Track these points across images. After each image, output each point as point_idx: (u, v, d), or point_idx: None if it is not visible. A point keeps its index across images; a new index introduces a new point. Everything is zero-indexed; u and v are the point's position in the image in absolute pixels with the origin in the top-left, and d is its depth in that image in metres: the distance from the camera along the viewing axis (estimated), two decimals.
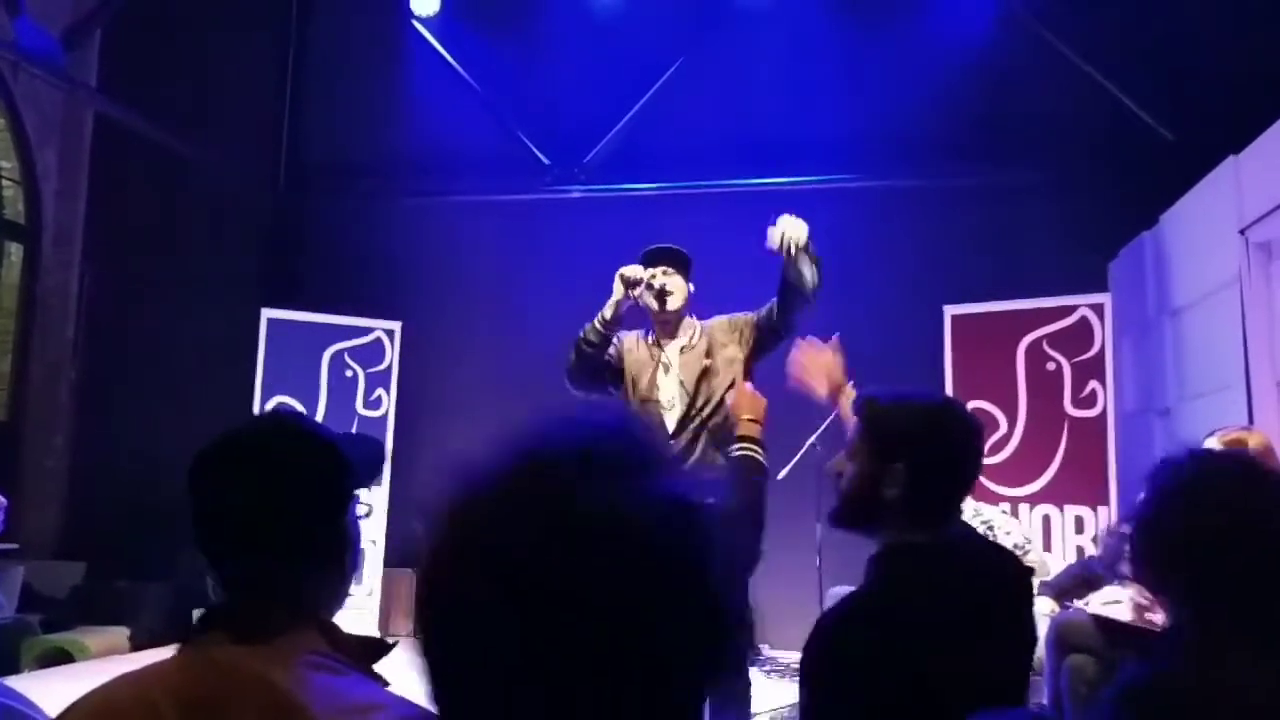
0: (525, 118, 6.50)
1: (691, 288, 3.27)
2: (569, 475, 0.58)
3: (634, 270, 3.16)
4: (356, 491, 1.17)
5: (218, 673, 1.04)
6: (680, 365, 3.18)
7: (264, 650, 1.04)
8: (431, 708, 0.59)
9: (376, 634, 4.56)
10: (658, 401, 3.17)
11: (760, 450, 1.78)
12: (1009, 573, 1.62)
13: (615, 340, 3.27)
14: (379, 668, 1.06)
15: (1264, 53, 4.87)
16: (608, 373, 3.26)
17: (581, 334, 3.19)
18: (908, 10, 6.01)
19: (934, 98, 5.77)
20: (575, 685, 0.54)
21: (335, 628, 1.07)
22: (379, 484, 5.54)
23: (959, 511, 1.64)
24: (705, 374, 3.11)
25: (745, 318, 3.18)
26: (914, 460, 1.52)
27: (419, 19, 6.56)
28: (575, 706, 0.54)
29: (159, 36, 6.01)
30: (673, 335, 3.24)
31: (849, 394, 2.16)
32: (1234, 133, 4.24)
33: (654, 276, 3.16)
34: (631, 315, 3.29)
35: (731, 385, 2.99)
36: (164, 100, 5.86)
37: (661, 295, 3.16)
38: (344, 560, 1.14)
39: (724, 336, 3.17)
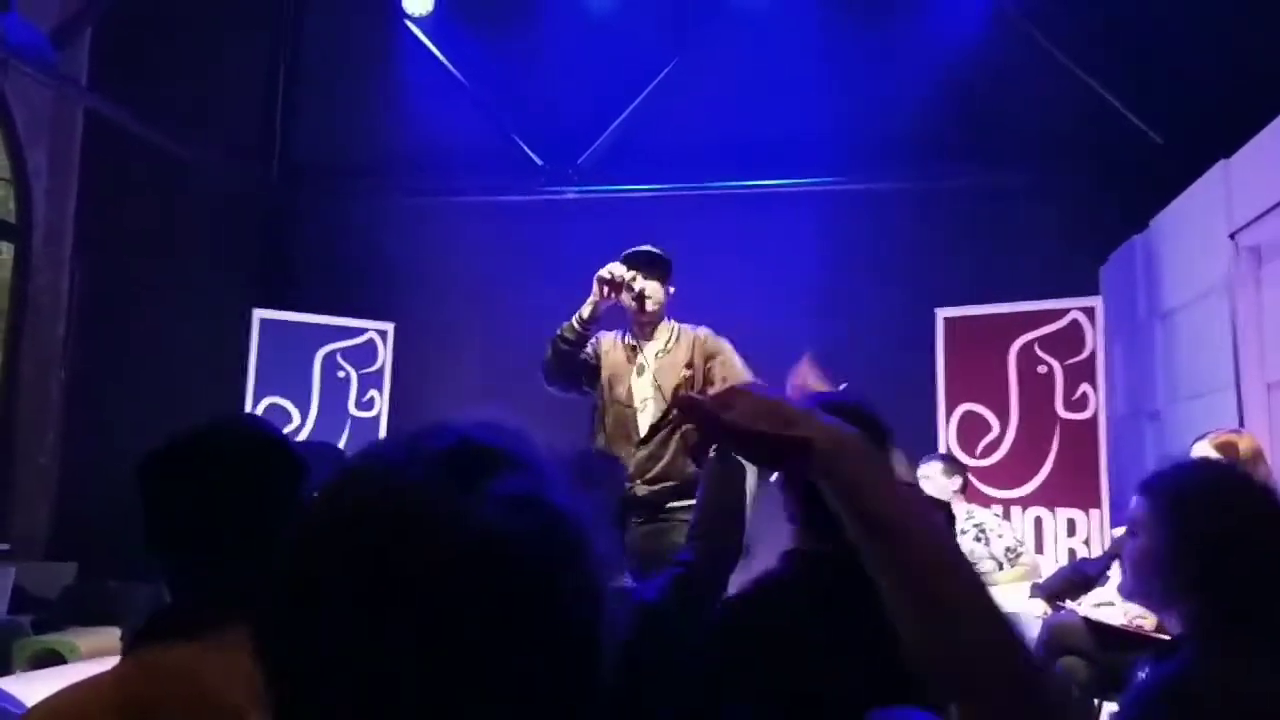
0: (518, 118, 6.49)
1: (671, 290, 3.29)
2: (404, 477, 0.56)
3: (613, 268, 3.17)
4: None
5: (160, 676, 1.04)
6: (656, 369, 3.19)
7: (208, 652, 1.04)
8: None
9: None
10: (631, 404, 3.19)
11: None
12: None
13: (593, 340, 3.29)
14: None
15: (1255, 56, 4.88)
16: (584, 372, 3.28)
17: (559, 331, 3.22)
18: (901, 12, 6.01)
19: (927, 99, 5.77)
20: (408, 695, 0.50)
21: None
22: None
23: None
24: (683, 384, 3.14)
25: (717, 354, 3.20)
26: None
27: (412, 18, 6.55)
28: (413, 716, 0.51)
29: (150, 34, 5.98)
30: (650, 337, 3.26)
31: None
32: (1225, 137, 4.25)
33: (634, 279, 3.18)
34: (611, 316, 3.30)
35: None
36: (155, 98, 5.83)
37: (640, 299, 3.18)
38: None
39: (703, 350, 3.21)
